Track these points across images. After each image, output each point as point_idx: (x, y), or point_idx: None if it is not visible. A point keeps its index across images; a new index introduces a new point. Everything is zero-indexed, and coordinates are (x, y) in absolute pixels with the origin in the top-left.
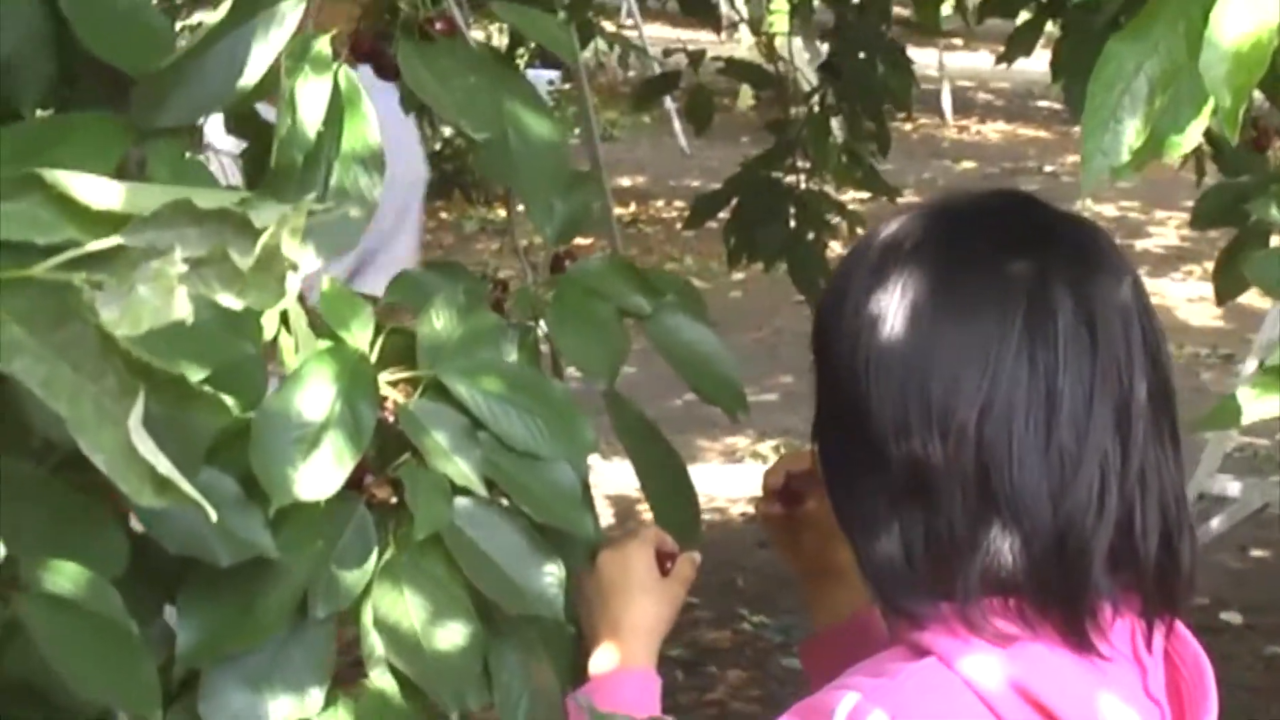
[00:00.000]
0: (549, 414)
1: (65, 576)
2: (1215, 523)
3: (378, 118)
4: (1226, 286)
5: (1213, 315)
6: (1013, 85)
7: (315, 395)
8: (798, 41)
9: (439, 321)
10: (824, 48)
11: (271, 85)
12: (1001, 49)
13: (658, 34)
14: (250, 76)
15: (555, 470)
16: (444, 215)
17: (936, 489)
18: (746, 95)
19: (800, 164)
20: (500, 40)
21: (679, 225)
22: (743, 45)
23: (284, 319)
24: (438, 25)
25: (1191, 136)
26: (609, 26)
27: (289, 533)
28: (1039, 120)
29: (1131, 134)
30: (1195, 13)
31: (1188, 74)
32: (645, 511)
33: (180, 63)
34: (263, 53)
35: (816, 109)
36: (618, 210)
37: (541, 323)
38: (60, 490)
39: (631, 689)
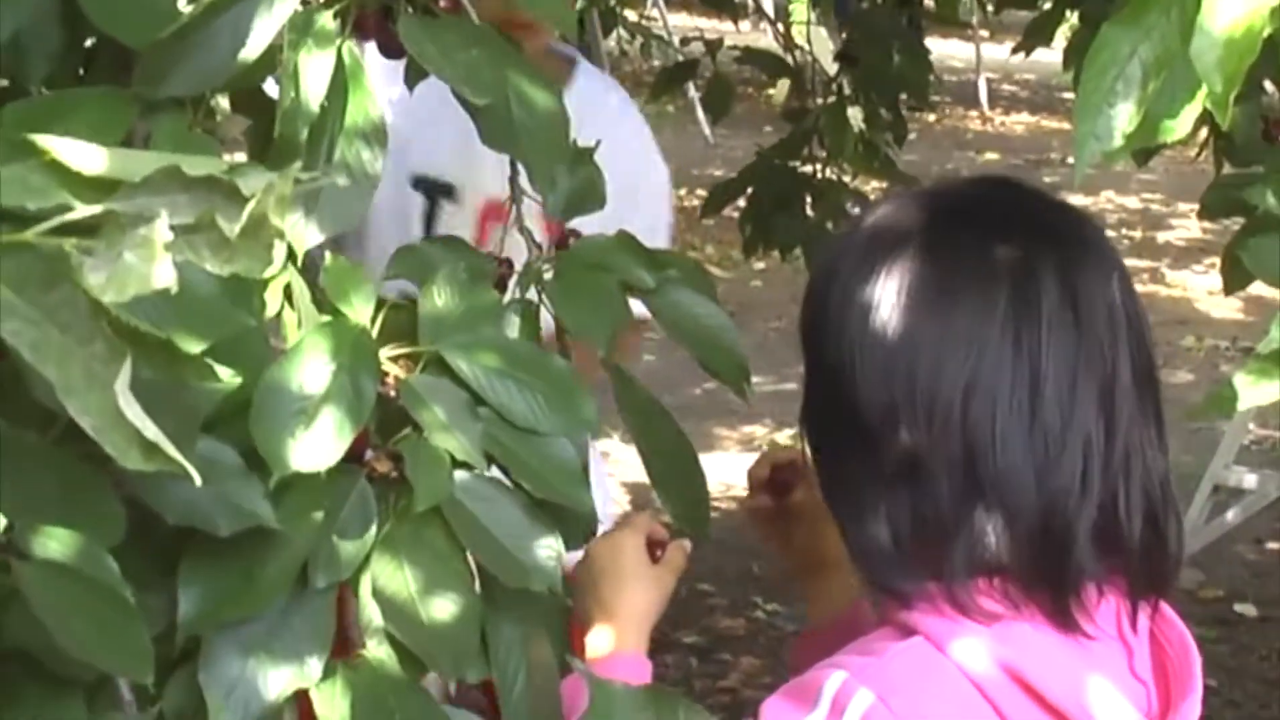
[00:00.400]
0: (549, 389)
1: (62, 543)
2: (1231, 515)
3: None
4: (1235, 277)
5: (1234, 308)
6: (1038, 77)
7: (315, 368)
8: (818, 31)
9: (440, 297)
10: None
11: (275, 60)
12: None
13: (683, 23)
14: (253, 49)
15: (554, 445)
16: None
17: (922, 471)
18: (784, 88)
19: (817, 153)
20: None
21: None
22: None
23: (287, 293)
24: (442, 3)
25: (1184, 121)
26: (632, 16)
27: (290, 503)
28: (1063, 112)
29: (1124, 118)
30: None
31: (1181, 59)
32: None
33: (183, 34)
34: (266, 26)
35: (834, 98)
36: None
37: (545, 300)
38: (60, 460)
39: (623, 671)
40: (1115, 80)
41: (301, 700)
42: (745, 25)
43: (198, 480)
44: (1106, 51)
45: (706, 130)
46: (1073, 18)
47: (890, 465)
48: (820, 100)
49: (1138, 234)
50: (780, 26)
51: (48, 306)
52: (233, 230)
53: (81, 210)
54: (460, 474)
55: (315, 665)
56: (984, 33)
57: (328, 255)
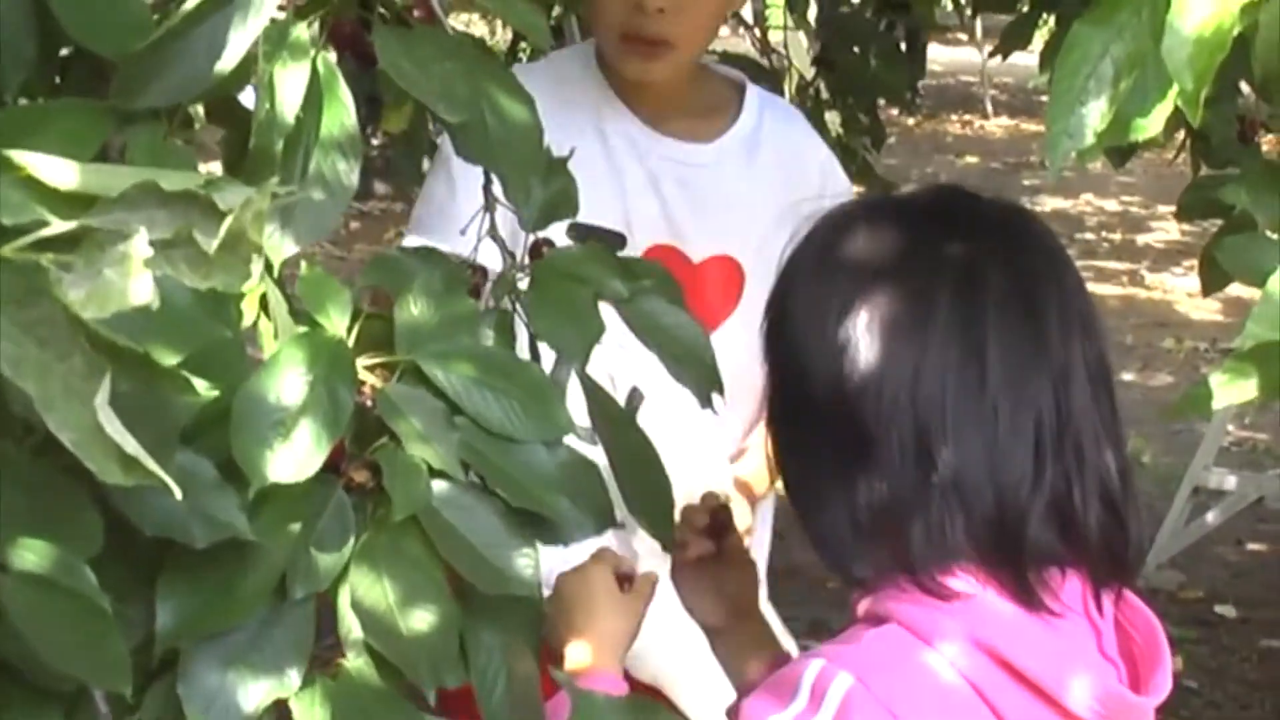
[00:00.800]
0: (524, 397)
1: (40, 555)
2: (1211, 516)
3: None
4: (1213, 278)
5: (1213, 309)
6: (1016, 80)
7: (292, 379)
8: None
9: (416, 307)
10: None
11: (250, 71)
12: None
13: None
14: (229, 60)
15: (531, 453)
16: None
17: (876, 455)
18: None
19: None
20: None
21: None
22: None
23: (264, 304)
24: (416, 13)
25: (1156, 119)
26: None
27: (268, 515)
28: (1042, 115)
29: (1096, 117)
30: None
31: (1152, 58)
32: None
33: (160, 45)
34: (242, 36)
35: (811, 103)
36: None
37: (519, 309)
38: (38, 472)
39: (602, 686)
40: (1087, 79)
41: (281, 711)
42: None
43: (178, 494)
44: (1078, 50)
45: None
46: (1050, 20)
47: (846, 452)
48: (797, 104)
49: (1117, 236)
50: (757, 31)
51: (26, 322)
52: (210, 245)
53: (58, 226)
54: (438, 483)
55: (294, 676)
56: (962, 35)
57: (303, 265)
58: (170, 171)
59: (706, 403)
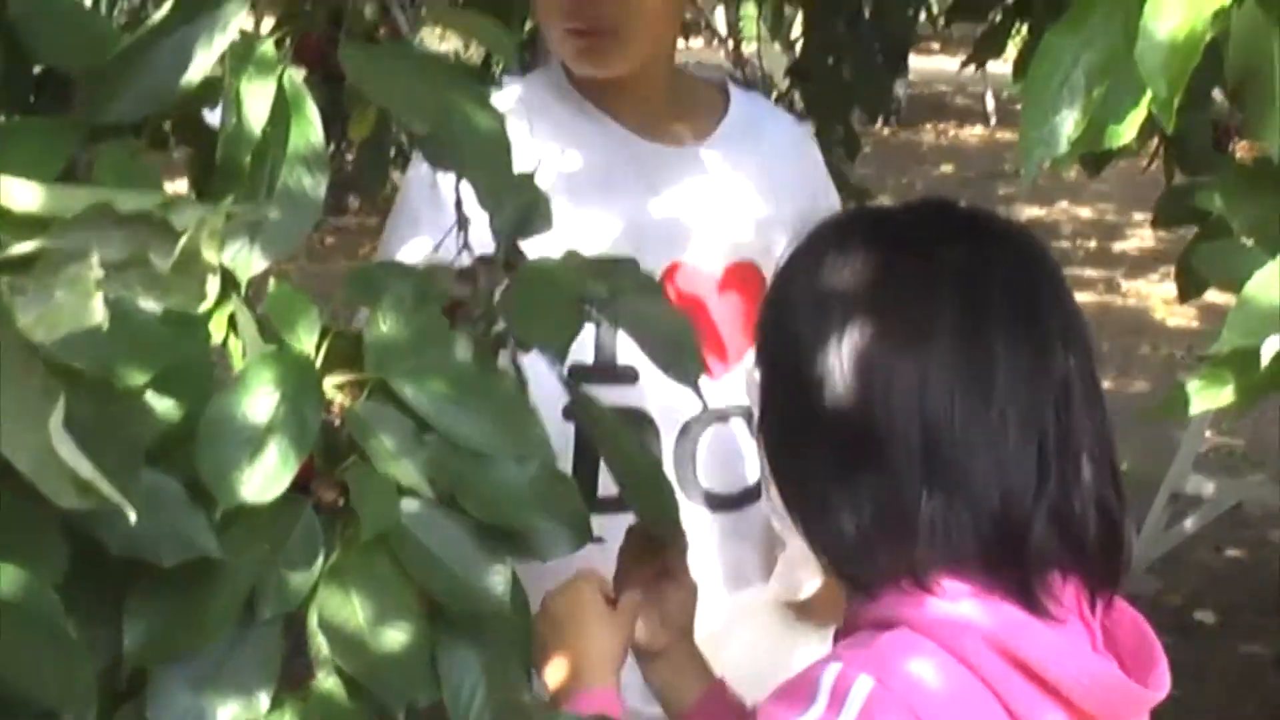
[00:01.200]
0: (495, 412)
1: (4, 580)
2: (1189, 523)
3: None
4: (1189, 285)
5: (1189, 316)
6: (994, 89)
7: (260, 398)
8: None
9: (385, 323)
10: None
11: (217, 87)
12: None
13: None
14: (194, 74)
15: (503, 469)
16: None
17: (883, 460)
18: None
19: None
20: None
21: None
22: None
23: (232, 322)
24: (382, 31)
25: (1130, 126)
26: None
27: (236, 535)
28: (1016, 124)
29: (1070, 124)
30: (1131, 4)
31: (1125, 65)
32: None
33: (124, 59)
34: (207, 52)
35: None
36: None
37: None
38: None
39: (599, 705)
40: (1060, 87)
41: None
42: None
43: (132, 517)
44: (1050, 59)
45: None
46: (1023, 29)
47: (850, 457)
48: None
49: (1093, 244)
50: (731, 43)
51: None
52: (165, 265)
53: (15, 247)
54: (407, 501)
55: (264, 698)
56: (934, 44)
57: (272, 282)
58: (128, 192)
59: (694, 387)
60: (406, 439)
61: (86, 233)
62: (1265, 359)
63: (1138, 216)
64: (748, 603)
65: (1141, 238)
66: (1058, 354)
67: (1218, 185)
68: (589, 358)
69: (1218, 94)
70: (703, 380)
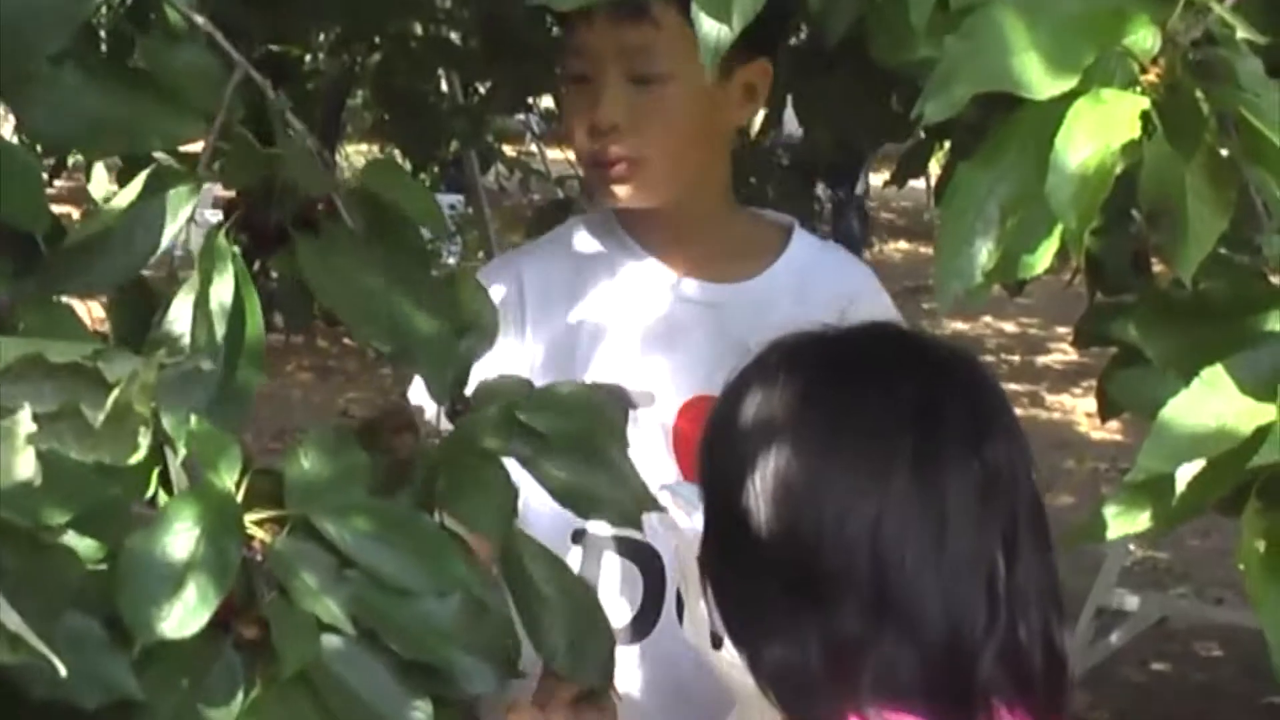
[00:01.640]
0: (418, 549)
1: None
2: (1115, 637)
3: None
4: (1110, 404)
5: (1113, 429)
6: (915, 204)
7: (180, 536)
8: None
9: (307, 461)
10: None
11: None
12: None
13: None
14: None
15: (425, 605)
16: (346, 340)
17: (832, 593)
18: None
19: None
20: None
21: None
22: None
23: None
24: (319, 205)
25: (1043, 257)
26: (510, 151)
27: (155, 672)
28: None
29: (984, 255)
30: (1044, 137)
31: (1038, 196)
32: None
33: (106, 233)
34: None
35: None
36: None
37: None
38: None
39: None
40: (974, 220)
41: None
42: None
43: (62, 671)
44: (964, 192)
45: None
46: (945, 148)
47: (797, 588)
48: None
49: (1016, 358)
50: None
51: None
52: (97, 418)
53: None
54: (328, 638)
55: None
56: None
57: (193, 420)
58: (59, 342)
59: (636, 525)
60: (328, 576)
61: (17, 385)
62: (1180, 486)
63: (1061, 330)
64: None
65: (1065, 351)
66: (1005, 485)
67: (1133, 314)
68: None
69: (1136, 214)
70: None
